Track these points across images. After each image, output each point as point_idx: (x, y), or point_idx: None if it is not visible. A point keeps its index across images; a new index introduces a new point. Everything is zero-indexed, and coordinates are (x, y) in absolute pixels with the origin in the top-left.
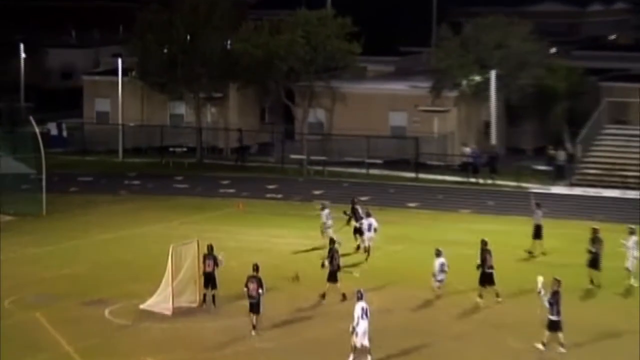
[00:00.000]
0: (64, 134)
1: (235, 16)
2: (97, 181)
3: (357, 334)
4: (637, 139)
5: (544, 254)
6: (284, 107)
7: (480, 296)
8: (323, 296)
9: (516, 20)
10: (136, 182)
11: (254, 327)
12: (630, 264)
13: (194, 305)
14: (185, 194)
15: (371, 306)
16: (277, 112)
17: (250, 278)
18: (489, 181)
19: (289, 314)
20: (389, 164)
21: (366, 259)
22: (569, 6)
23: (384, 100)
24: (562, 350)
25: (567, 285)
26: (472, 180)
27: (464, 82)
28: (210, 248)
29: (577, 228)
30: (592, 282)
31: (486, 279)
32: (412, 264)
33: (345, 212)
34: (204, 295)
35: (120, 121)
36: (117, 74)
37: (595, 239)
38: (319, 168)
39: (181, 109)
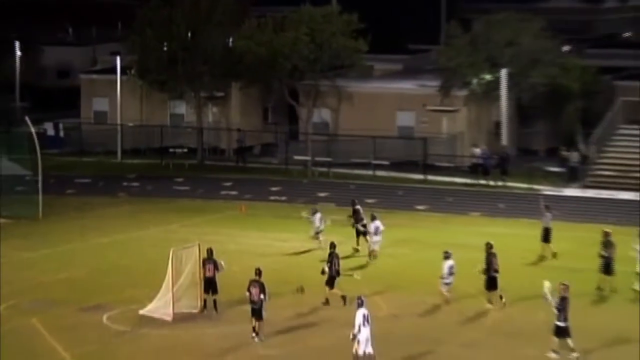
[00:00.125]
0: (61, 134)
1: (238, 13)
2: (94, 183)
3: (359, 342)
4: None
5: (553, 257)
6: (287, 106)
7: (490, 302)
8: (327, 302)
9: (528, 17)
10: (135, 184)
11: (257, 333)
12: None
13: (195, 311)
14: (185, 196)
15: (378, 312)
16: (281, 112)
17: (252, 283)
18: (500, 183)
19: (292, 320)
20: (397, 166)
21: (369, 257)
22: (583, 3)
23: (391, 100)
24: (575, 355)
25: (578, 290)
26: (482, 182)
27: (474, 81)
28: (210, 252)
29: (590, 231)
30: (600, 287)
31: (492, 283)
32: (420, 268)
33: (349, 216)
34: (205, 300)
35: (118, 121)
36: (115, 73)
37: (607, 243)
38: (324, 169)
39: (182, 108)
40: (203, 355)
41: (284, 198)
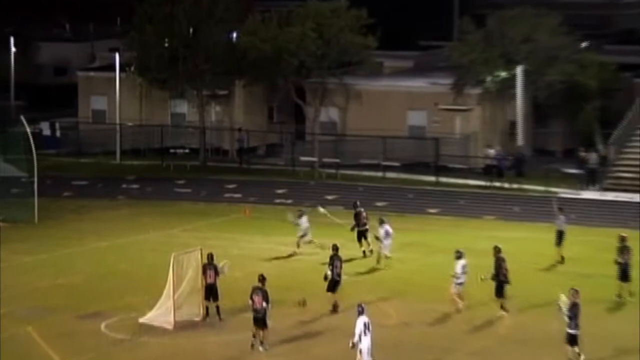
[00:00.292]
0: (57, 134)
1: (242, 8)
2: (92, 185)
3: (361, 352)
4: None
5: (560, 261)
6: (293, 105)
7: (505, 309)
8: (335, 308)
9: (544, 12)
10: (135, 186)
11: (261, 342)
12: None
13: (197, 318)
14: (187, 198)
15: (387, 319)
16: (287, 111)
17: (255, 290)
18: (515, 185)
19: (296, 328)
20: (407, 167)
21: (377, 262)
22: None
23: (401, 98)
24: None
25: (592, 297)
26: (497, 184)
27: (488, 79)
28: (210, 257)
29: (608, 236)
30: (620, 295)
31: (502, 289)
32: (430, 273)
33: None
34: (207, 308)
35: (117, 120)
36: (114, 70)
37: (623, 248)
38: (332, 171)
39: (183, 107)
40: None
41: (289, 201)
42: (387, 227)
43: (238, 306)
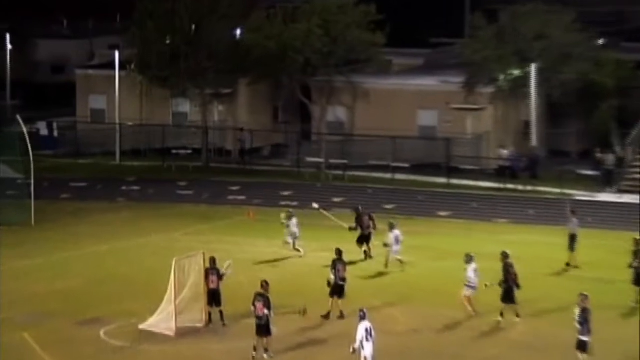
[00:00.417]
0: (55, 134)
1: (246, 3)
2: (91, 187)
3: (365, 359)
4: None
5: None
6: (299, 104)
7: (517, 315)
8: (342, 315)
9: (558, 7)
10: (135, 188)
11: (265, 350)
12: None
13: (200, 325)
14: (189, 201)
15: (395, 325)
16: (292, 110)
17: (257, 296)
18: (529, 187)
19: (300, 334)
20: (417, 168)
21: (385, 266)
22: None
23: (411, 97)
24: None
25: (606, 302)
26: (510, 186)
27: (501, 77)
28: (213, 261)
29: (625, 240)
30: (637, 301)
31: (510, 296)
32: (440, 278)
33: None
34: (210, 314)
35: (117, 120)
36: (113, 68)
37: (637, 252)
38: (339, 172)
39: (185, 106)
40: None
41: (295, 203)
42: (397, 232)
43: (242, 312)
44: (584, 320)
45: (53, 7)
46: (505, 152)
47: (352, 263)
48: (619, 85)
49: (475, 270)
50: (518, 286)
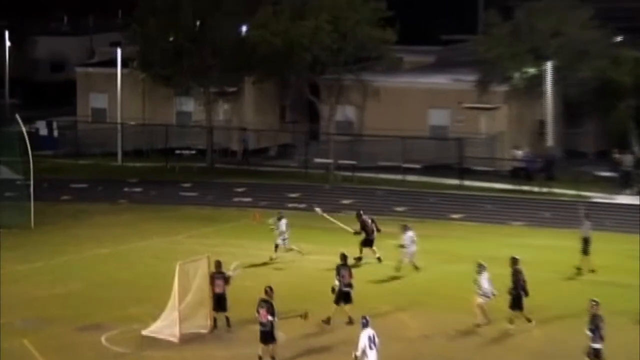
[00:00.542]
0: (55, 134)
1: None
2: (92, 188)
3: None
4: None
5: (592, 270)
6: (307, 103)
7: (529, 320)
8: (350, 321)
9: (575, 3)
10: (137, 190)
11: (272, 357)
12: None
13: (204, 331)
14: (193, 203)
15: (406, 331)
16: (300, 110)
17: (261, 302)
18: (544, 189)
19: (306, 340)
20: (429, 169)
21: (396, 270)
22: None
23: (422, 96)
24: None
25: (619, 308)
26: (525, 188)
27: (516, 75)
28: (218, 265)
29: None
30: None
31: (518, 303)
32: (453, 283)
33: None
34: (215, 319)
35: (118, 119)
36: (115, 66)
37: None
38: (348, 174)
39: (189, 105)
40: None
41: (303, 205)
42: (411, 233)
43: (247, 317)
44: (595, 327)
45: (52, 3)
46: (519, 153)
47: (356, 267)
48: (638, 83)
49: (489, 280)
50: (526, 293)
